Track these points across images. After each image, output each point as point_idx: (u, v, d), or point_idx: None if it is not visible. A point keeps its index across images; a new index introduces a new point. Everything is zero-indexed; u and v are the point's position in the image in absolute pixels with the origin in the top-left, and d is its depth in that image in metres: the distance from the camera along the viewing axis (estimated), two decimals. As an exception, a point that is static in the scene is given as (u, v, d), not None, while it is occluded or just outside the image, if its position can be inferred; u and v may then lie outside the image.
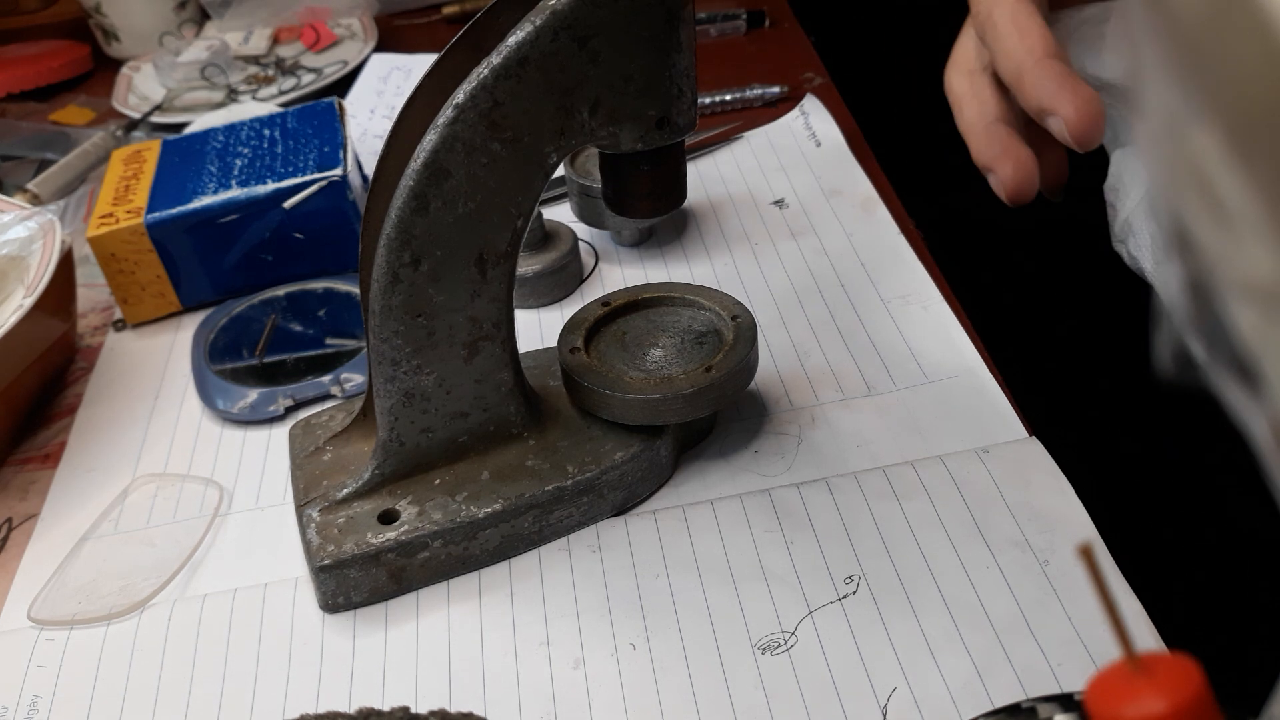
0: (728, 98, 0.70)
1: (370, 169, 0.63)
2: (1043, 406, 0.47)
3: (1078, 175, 0.46)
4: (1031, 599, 0.38)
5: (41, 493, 0.48)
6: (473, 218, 0.37)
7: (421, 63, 0.81)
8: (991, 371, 0.48)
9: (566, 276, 0.56)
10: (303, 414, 0.49)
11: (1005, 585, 0.38)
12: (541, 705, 0.37)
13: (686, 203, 0.43)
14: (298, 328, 0.56)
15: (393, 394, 0.40)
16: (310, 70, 0.84)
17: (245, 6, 0.90)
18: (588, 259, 0.58)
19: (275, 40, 0.89)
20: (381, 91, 0.78)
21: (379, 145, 0.70)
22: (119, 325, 0.58)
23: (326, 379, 0.51)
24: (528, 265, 0.54)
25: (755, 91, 0.70)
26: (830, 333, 0.51)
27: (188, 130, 0.69)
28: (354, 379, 0.51)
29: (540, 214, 0.55)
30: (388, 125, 0.73)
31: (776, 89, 0.70)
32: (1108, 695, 0.20)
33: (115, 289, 0.56)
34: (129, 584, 0.43)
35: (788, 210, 0.60)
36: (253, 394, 0.51)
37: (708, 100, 0.70)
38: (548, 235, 0.55)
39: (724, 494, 0.43)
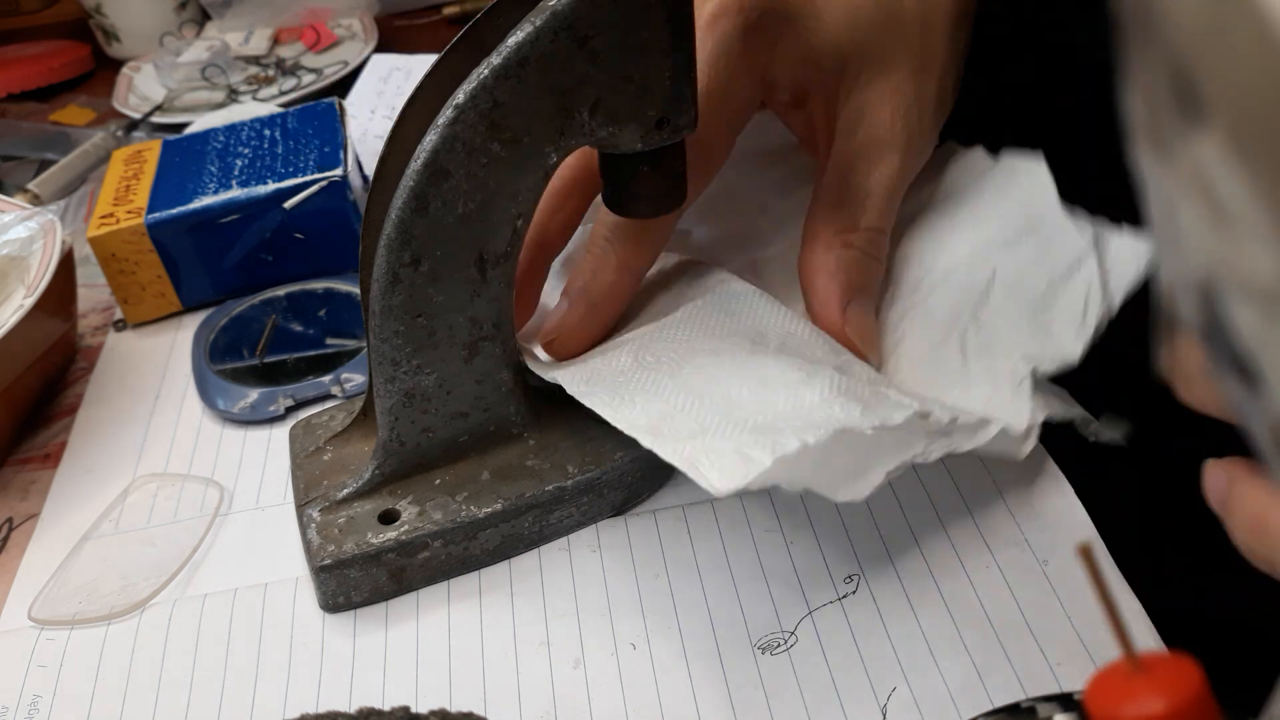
0: None
1: (370, 169, 0.63)
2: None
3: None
4: (1031, 599, 0.38)
5: (42, 493, 0.48)
6: (473, 218, 0.37)
7: (422, 63, 0.81)
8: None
9: None
10: (303, 414, 0.49)
11: (1005, 585, 0.38)
12: (541, 705, 0.37)
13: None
14: (298, 328, 0.56)
15: (393, 394, 0.40)
16: (310, 70, 0.84)
17: (246, 7, 0.90)
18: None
19: (276, 40, 0.89)
20: (382, 92, 0.78)
21: (379, 145, 0.71)
22: (119, 325, 0.58)
23: (327, 379, 0.51)
24: None
25: None
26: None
27: (188, 130, 0.70)
28: (354, 379, 0.51)
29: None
30: (388, 125, 0.73)
31: None
32: (1107, 695, 0.20)
33: (115, 289, 0.56)
34: (129, 584, 0.43)
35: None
36: (253, 394, 0.51)
37: None
38: None
39: (724, 494, 0.43)
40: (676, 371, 0.39)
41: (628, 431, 0.36)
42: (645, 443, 0.35)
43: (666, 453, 0.34)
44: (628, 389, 0.38)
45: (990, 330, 0.41)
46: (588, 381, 0.39)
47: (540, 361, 0.42)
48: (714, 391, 0.37)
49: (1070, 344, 0.40)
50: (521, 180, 0.37)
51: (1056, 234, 0.42)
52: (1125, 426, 0.42)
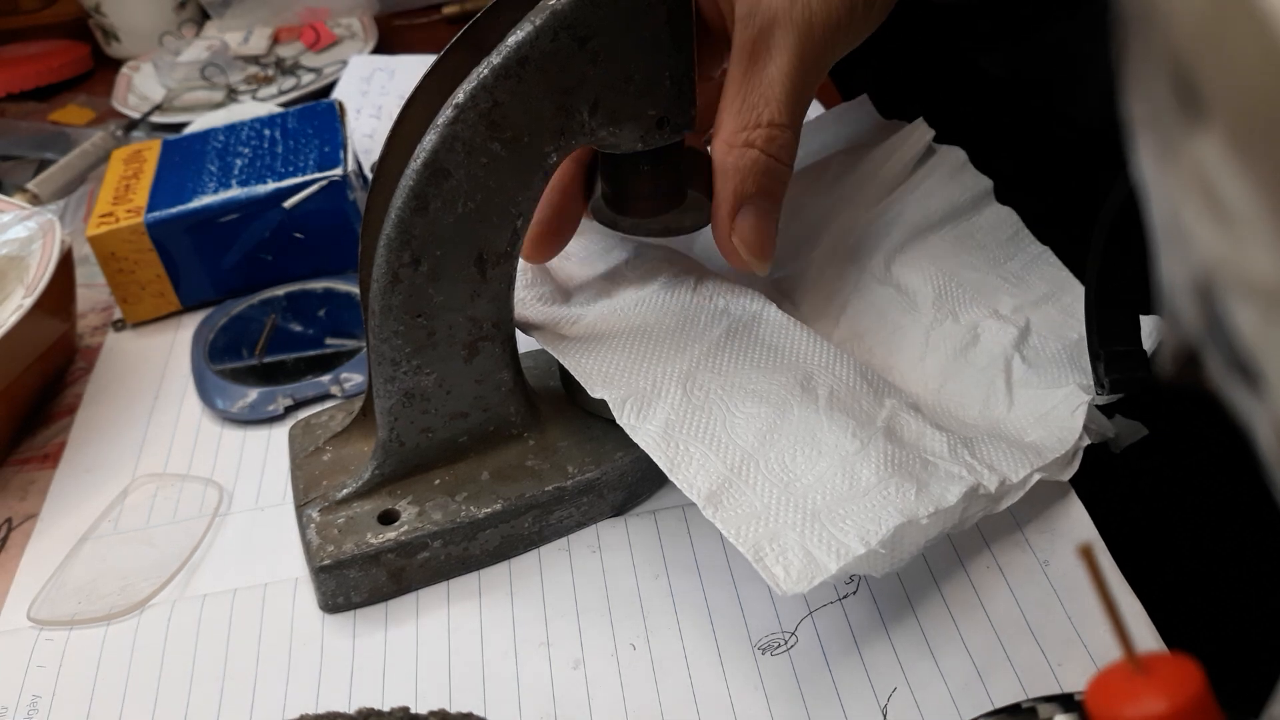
0: None
1: (365, 168, 0.63)
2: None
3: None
4: (1032, 599, 0.38)
5: (41, 493, 0.48)
6: (473, 218, 0.37)
7: (403, 63, 0.81)
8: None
9: None
10: (302, 414, 0.49)
11: (1005, 585, 0.38)
12: (541, 705, 0.37)
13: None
14: (297, 328, 0.56)
15: (393, 394, 0.39)
16: (310, 70, 0.84)
17: (245, 6, 0.90)
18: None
19: (275, 40, 0.89)
20: (366, 91, 0.78)
21: (368, 144, 0.71)
22: (119, 325, 0.58)
23: (326, 379, 0.51)
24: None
25: None
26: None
27: (188, 130, 0.70)
28: (354, 379, 0.51)
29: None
30: (374, 124, 0.74)
31: None
32: (1108, 695, 0.20)
33: (115, 288, 0.56)
34: (129, 584, 0.43)
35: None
36: (252, 394, 0.51)
37: None
38: None
39: (724, 494, 0.43)
40: (728, 417, 0.39)
41: (687, 493, 0.36)
42: (706, 513, 0.36)
43: (730, 532, 0.35)
44: (681, 434, 0.38)
45: (1034, 364, 0.44)
46: (639, 414, 0.39)
47: (588, 375, 0.41)
48: (768, 454, 0.37)
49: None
50: (521, 180, 0.37)
51: (1078, 301, 0.47)
52: (1140, 429, 0.43)
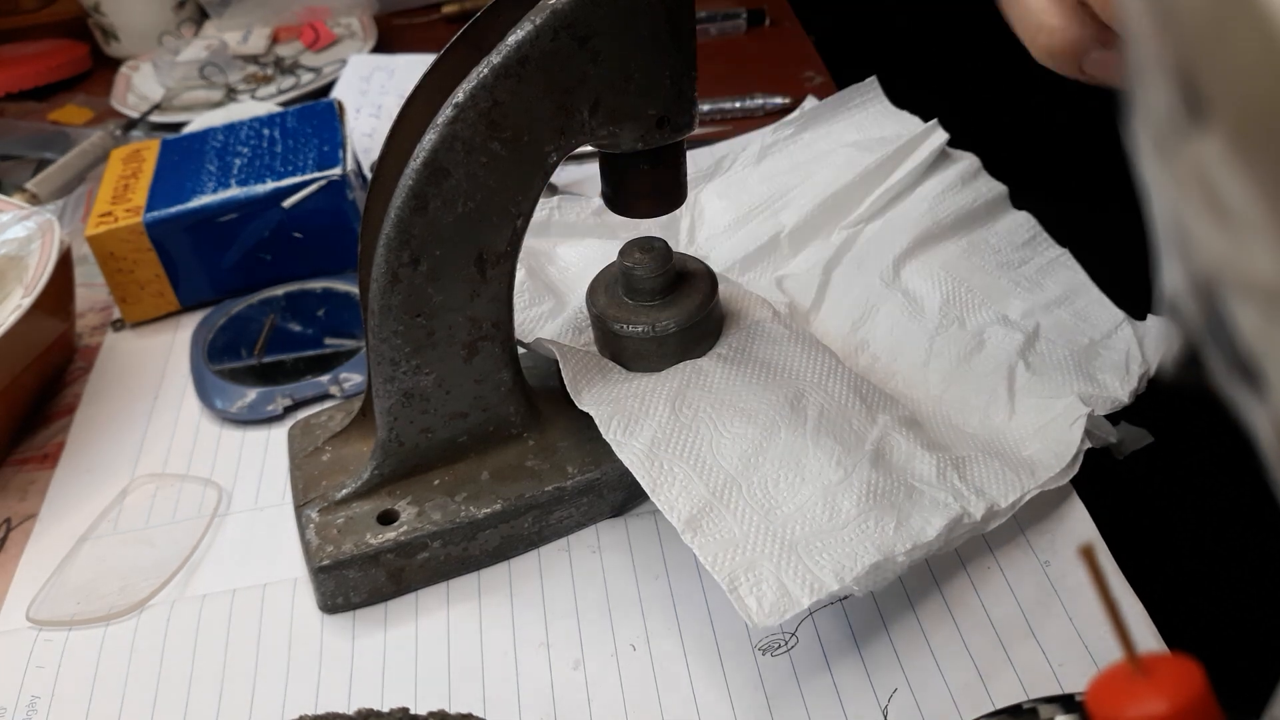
0: (729, 106, 0.69)
1: (365, 167, 0.63)
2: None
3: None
4: (1032, 599, 0.38)
5: (40, 493, 0.48)
6: (472, 217, 0.37)
7: (402, 62, 0.81)
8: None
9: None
10: (301, 414, 0.49)
11: (1006, 585, 0.38)
12: (541, 706, 0.37)
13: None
14: (296, 327, 0.55)
15: (392, 394, 0.39)
16: (309, 69, 0.84)
17: (244, 6, 0.90)
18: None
19: (274, 39, 0.88)
20: (365, 91, 0.78)
21: (368, 143, 0.71)
22: (118, 325, 0.58)
23: (325, 379, 0.51)
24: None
25: (757, 101, 0.69)
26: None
27: (187, 129, 0.69)
28: (353, 379, 0.50)
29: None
30: (374, 123, 0.74)
31: (779, 99, 0.69)
32: (1109, 696, 0.20)
33: (114, 288, 0.56)
34: (128, 584, 0.43)
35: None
36: (251, 394, 0.50)
37: (707, 108, 0.69)
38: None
39: (724, 494, 0.43)
40: (715, 437, 0.39)
41: (667, 516, 0.36)
42: (684, 538, 0.36)
43: (707, 560, 0.35)
44: (666, 454, 0.38)
45: (1038, 372, 0.44)
46: (626, 430, 0.39)
47: (575, 387, 0.41)
48: (751, 478, 0.37)
49: (1118, 390, 0.43)
50: (521, 180, 0.37)
51: (1092, 305, 0.47)
52: (1145, 436, 0.42)
